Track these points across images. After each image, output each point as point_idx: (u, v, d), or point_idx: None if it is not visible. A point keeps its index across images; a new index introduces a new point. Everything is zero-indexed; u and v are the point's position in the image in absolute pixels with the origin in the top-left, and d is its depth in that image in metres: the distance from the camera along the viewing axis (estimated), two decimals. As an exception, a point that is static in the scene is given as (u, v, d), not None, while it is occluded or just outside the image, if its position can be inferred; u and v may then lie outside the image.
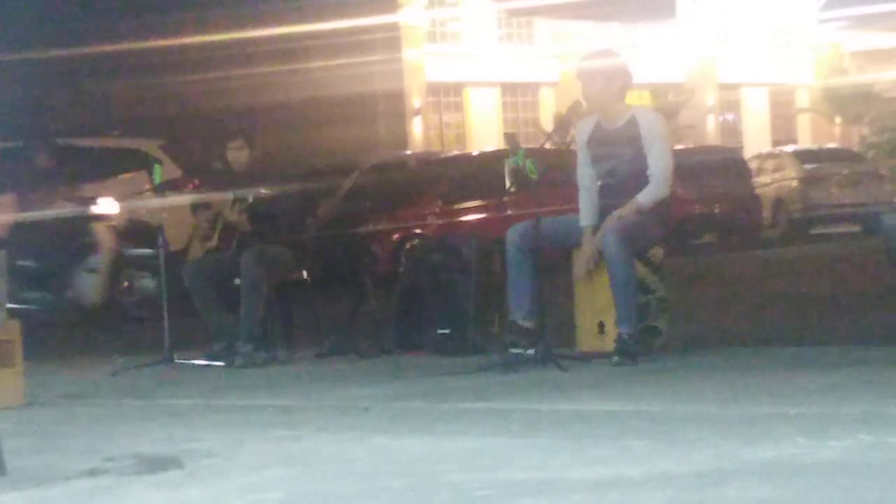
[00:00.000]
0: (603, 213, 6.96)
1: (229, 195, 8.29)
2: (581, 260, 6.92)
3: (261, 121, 23.51)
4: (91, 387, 7.38)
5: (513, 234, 6.96)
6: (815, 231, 23.48)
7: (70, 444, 5.27)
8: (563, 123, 8.69)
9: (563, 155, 16.29)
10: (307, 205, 9.39)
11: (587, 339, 7.01)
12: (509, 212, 15.47)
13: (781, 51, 41.33)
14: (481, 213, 16.68)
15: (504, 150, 7.36)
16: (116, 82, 26.00)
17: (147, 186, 9.05)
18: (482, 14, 35.17)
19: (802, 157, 24.73)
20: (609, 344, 6.76)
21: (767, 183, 23.61)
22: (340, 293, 8.92)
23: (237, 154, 8.37)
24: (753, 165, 24.04)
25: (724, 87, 39.61)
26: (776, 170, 24.27)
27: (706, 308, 9.56)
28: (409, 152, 25.48)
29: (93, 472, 4.44)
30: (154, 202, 8.51)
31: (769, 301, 10.22)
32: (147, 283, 12.12)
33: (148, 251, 10.09)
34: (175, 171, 13.80)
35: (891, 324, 7.46)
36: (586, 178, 7.09)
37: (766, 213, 23.18)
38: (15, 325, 6.66)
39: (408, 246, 15.90)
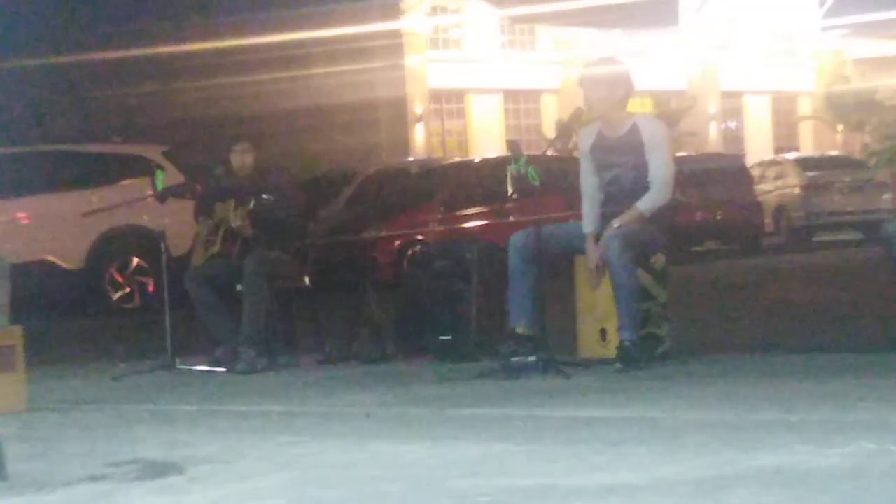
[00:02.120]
0: (605, 220, 6.96)
1: (231, 201, 8.29)
2: (590, 272, 6.91)
3: (264, 127, 23.51)
4: (93, 392, 7.38)
5: (515, 241, 6.96)
6: (816, 238, 23.47)
7: (71, 449, 5.27)
8: (566, 130, 8.71)
9: (565, 162, 16.34)
10: (309, 211, 9.39)
11: (589, 346, 7.01)
12: (511, 218, 15.49)
13: (783, 58, 41.35)
14: (483, 219, 16.68)
15: (506, 157, 7.35)
16: (120, 89, 26.02)
17: (149, 192, 9.05)
18: (484, 21, 35.19)
19: (804, 164, 24.73)
20: (611, 351, 6.75)
21: (769, 190, 23.60)
22: (342, 299, 8.92)
23: (242, 157, 8.36)
24: (755, 173, 24.03)
25: (727, 95, 39.62)
26: (778, 177, 24.27)
27: (708, 315, 9.55)
28: (411, 159, 25.49)
29: (94, 478, 4.44)
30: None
31: (771, 308, 10.22)
32: None
33: None
34: (178, 177, 13.83)
35: (892, 331, 7.45)
36: (589, 186, 7.09)
37: (768, 221, 23.18)
38: (17, 331, 6.66)
39: (410, 252, 15.91)
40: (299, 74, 27.17)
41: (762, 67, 40.13)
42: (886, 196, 23.09)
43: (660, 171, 6.88)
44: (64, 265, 14.87)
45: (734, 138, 40.35)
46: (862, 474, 3.77)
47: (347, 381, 7.17)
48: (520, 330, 6.83)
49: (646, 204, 6.86)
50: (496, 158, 18.59)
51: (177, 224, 10.22)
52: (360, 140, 28.34)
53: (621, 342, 6.65)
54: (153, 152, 15.26)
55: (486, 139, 33.94)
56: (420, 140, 32.51)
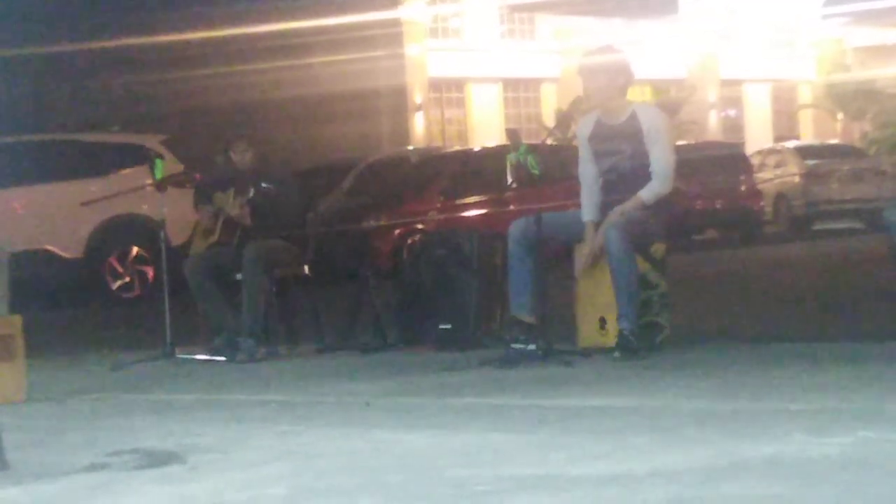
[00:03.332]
0: (604, 208, 6.96)
1: (231, 190, 8.30)
2: (583, 256, 6.92)
3: (263, 116, 23.51)
4: (92, 382, 7.39)
5: (514, 230, 6.96)
6: (816, 227, 23.48)
7: (71, 438, 5.27)
8: (565, 119, 8.72)
9: (564, 151, 16.33)
10: (309, 200, 9.41)
11: (588, 335, 7.01)
12: (511, 207, 15.49)
13: (784, 47, 41.31)
14: (483, 208, 16.68)
15: (506, 146, 7.34)
16: (119, 78, 25.99)
17: (148, 181, 9.06)
18: (484, 10, 35.16)
19: (804, 153, 24.72)
20: (610, 339, 6.76)
21: (769, 179, 23.60)
22: (342, 288, 8.92)
23: (241, 156, 8.40)
24: (755, 161, 24.03)
25: (727, 83, 39.59)
26: (778, 166, 24.26)
27: (708, 304, 9.56)
28: (410, 148, 25.47)
29: (94, 467, 4.44)
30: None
31: (771, 297, 10.22)
32: None
33: None
34: (177, 166, 13.82)
35: (892, 320, 7.45)
36: (588, 175, 7.09)
37: (768, 209, 23.18)
38: (16, 320, 6.66)
39: (410, 241, 15.90)
40: (299, 63, 27.12)
41: (762, 56, 40.10)
42: (886, 184, 23.08)
43: (661, 161, 6.88)
44: (63, 254, 14.87)
45: (734, 127, 40.32)
46: (861, 464, 3.77)
47: (347, 369, 7.17)
48: (521, 317, 6.84)
49: (649, 193, 6.86)
50: (496, 147, 18.57)
51: (176, 213, 10.18)
52: (359, 129, 28.30)
53: (621, 331, 6.65)
54: (152, 141, 15.26)
55: (485, 128, 33.93)
56: (420, 129, 32.48)
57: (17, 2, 22.29)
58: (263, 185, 8.12)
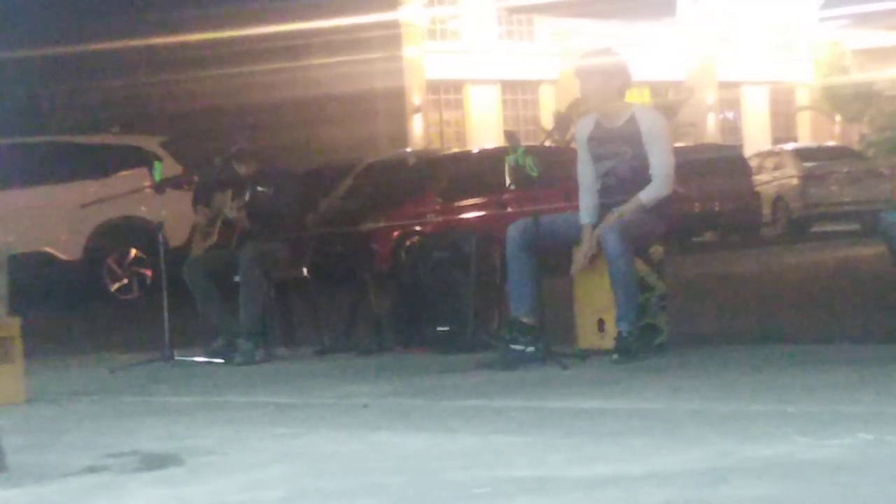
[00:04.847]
0: (603, 211, 6.96)
1: (229, 192, 8.30)
2: (578, 256, 6.93)
3: (262, 118, 23.48)
4: (91, 383, 7.38)
5: (513, 232, 6.96)
6: (814, 229, 23.49)
7: (70, 440, 5.27)
8: (563, 121, 8.72)
9: (562, 153, 16.33)
10: (307, 202, 9.42)
11: (587, 337, 7.02)
12: (509, 209, 15.49)
13: (782, 49, 41.33)
14: (481, 210, 16.68)
15: (504, 148, 7.35)
16: (118, 79, 26.00)
17: (147, 183, 9.07)
18: (482, 11, 35.16)
19: (802, 155, 24.73)
20: (609, 341, 6.76)
21: (767, 181, 23.60)
22: (340, 290, 8.92)
23: (244, 165, 8.38)
24: (753, 163, 24.04)
25: (725, 85, 39.59)
26: (776, 168, 24.27)
27: (706, 306, 9.56)
28: (409, 149, 25.47)
29: (93, 469, 4.44)
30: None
31: (769, 299, 10.22)
32: None
33: None
34: (176, 168, 13.82)
35: (890, 322, 7.46)
36: (586, 177, 7.09)
37: (766, 211, 23.19)
38: (15, 322, 6.66)
39: (408, 243, 15.90)
40: (298, 65, 27.16)
41: (760, 58, 40.11)
42: (884, 187, 23.09)
43: (661, 164, 6.88)
44: (62, 256, 14.87)
45: (732, 129, 40.32)
46: (859, 465, 3.78)
47: (345, 372, 7.17)
48: (519, 319, 6.84)
49: (648, 195, 6.86)
50: (494, 149, 18.56)
51: (175, 215, 10.17)
52: (358, 131, 28.32)
53: (619, 333, 6.66)
54: (151, 143, 15.27)
55: (483, 130, 33.92)
56: (418, 131, 32.49)
57: (16, 3, 22.30)
58: (259, 188, 8.12)
